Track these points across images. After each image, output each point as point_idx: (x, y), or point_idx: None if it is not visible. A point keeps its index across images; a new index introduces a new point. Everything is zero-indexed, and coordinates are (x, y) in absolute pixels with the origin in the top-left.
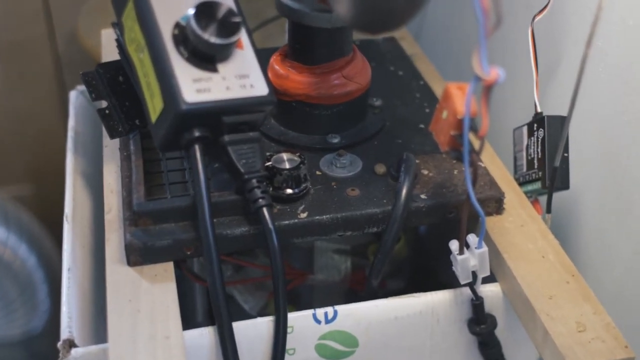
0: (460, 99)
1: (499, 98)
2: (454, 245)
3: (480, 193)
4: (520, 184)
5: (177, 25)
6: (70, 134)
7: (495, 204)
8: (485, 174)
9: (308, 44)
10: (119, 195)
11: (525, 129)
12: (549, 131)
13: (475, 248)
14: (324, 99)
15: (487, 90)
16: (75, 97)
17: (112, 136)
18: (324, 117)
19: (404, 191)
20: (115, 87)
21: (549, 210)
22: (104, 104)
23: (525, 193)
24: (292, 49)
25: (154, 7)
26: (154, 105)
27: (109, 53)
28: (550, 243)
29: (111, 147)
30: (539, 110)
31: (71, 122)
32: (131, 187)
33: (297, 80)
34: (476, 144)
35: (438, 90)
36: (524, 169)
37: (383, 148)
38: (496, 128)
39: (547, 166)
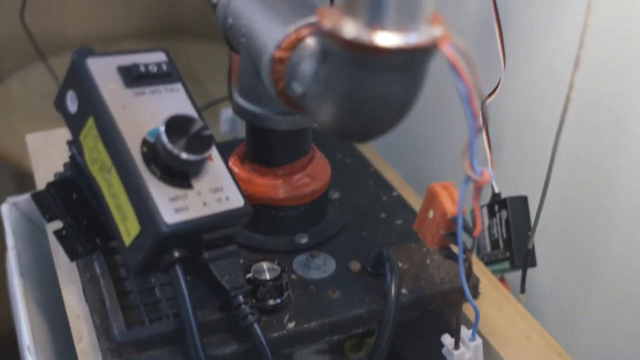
0: (447, 199)
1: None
2: (447, 340)
3: (456, 282)
4: (486, 264)
5: (145, 143)
6: (11, 253)
7: (472, 290)
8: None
9: (271, 147)
10: (87, 321)
11: (485, 210)
12: (513, 213)
13: (470, 341)
14: (290, 200)
15: (478, 190)
16: (8, 210)
17: (72, 258)
18: (291, 218)
19: (393, 291)
20: (70, 205)
21: (522, 290)
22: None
23: (492, 272)
24: (253, 151)
25: (119, 124)
26: (128, 229)
27: (41, 161)
28: (530, 324)
29: (66, 267)
30: (496, 191)
31: (10, 241)
32: (106, 314)
33: (261, 184)
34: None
35: (388, 176)
36: (488, 249)
37: (351, 243)
38: None
39: (514, 247)
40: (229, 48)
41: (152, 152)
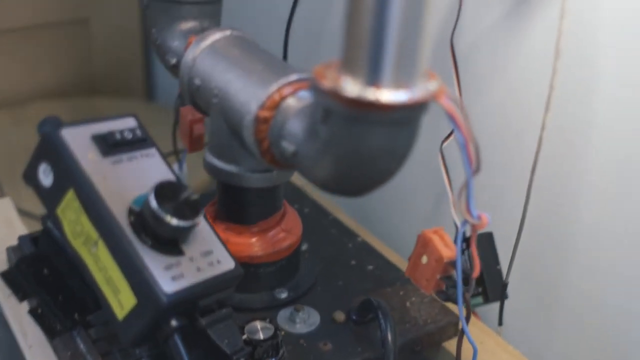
0: (441, 243)
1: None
2: None
3: (439, 321)
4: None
5: (132, 212)
6: None
7: (454, 328)
8: (432, 300)
9: (246, 204)
10: None
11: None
12: (482, 249)
13: None
14: (268, 257)
15: (475, 233)
16: None
17: (52, 337)
18: (269, 274)
19: (390, 337)
20: (43, 282)
21: (500, 322)
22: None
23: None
24: (226, 210)
25: (103, 195)
26: (121, 302)
27: None
28: (512, 354)
29: (38, 347)
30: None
31: None
32: None
33: (237, 243)
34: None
35: (346, 222)
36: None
37: (329, 293)
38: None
39: (487, 282)
40: (192, 108)
41: (141, 221)
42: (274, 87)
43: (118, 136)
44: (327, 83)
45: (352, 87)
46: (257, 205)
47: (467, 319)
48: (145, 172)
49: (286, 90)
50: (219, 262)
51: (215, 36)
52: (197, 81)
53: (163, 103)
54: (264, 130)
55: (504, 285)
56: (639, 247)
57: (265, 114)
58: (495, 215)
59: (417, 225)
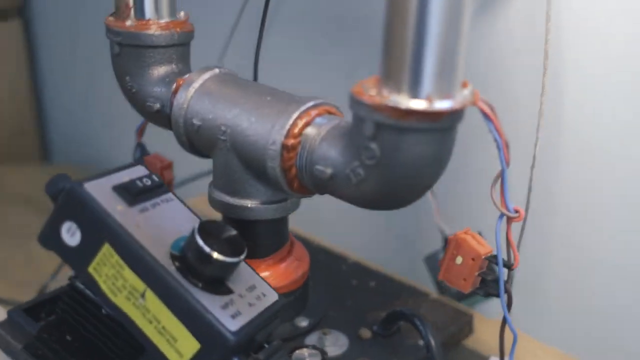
0: (475, 242)
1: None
2: None
3: (458, 322)
4: (458, 301)
5: (173, 257)
6: None
7: (469, 326)
8: (441, 305)
9: (261, 238)
10: None
11: (441, 255)
12: None
13: None
14: (286, 287)
15: (510, 226)
16: None
17: None
18: (288, 304)
19: (432, 341)
20: (69, 348)
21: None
22: None
23: (466, 306)
24: None
25: (144, 245)
26: (179, 350)
27: None
28: (527, 340)
29: None
30: (447, 233)
31: None
32: None
33: None
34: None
35: (329, 247)
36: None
37: (344, 314)
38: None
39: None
40: (157, 155)
41: (187, 265)
42: (295, 114)
43: (140, 185)
44: (378, 99)
45: (404, 100)
46: (270, 238)
47: (509, 307)
48: (172, 217)
49: (307, 117)
50: (264, 295)
51: (205, 75)
52: (196, 121)
53: (61, 164)
54: (291, 158)
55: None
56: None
57: (291, 142)
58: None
59: (391, 239)
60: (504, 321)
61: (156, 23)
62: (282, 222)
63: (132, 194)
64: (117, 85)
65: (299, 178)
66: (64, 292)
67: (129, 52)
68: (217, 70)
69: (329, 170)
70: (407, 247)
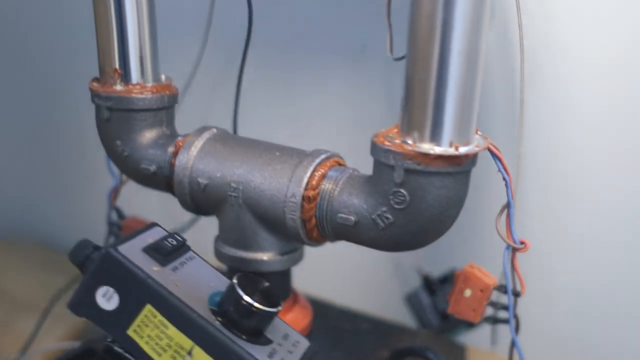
0: (482, 274)
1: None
2: None
3: (452, 356)
4: (443, 332)
5: (213, 312)
6: None
7: (462, 352)
8: (434, 337)
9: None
10: None
11: (423, 293)
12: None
13: None
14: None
15: (515, 256)
16: None
17: None
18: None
19: None
20: None
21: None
22: None
23: (454, 336)
24: None
25: (186, 301)
26: None
27: None
28: None
29: None
30: (424, 272)
31: None
32: None
33: None
34: None
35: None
36: (436, 323)
37: (351, 356)
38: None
39: None
40: (135, 218)
41: (228, 319)
42: (312, 167)
43: (168, 245)
44: (407, 147)
45: (432, 147)
46: (280, 288)
47: (517, 331)
48: (199, 274)
49: (323, 169)
50: (298, 342)
51: (205, 135)
52: (202, 180)
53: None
54: (311, 209)
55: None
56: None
57: (310, 193)
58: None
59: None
60: (512, 344)
61: (146, 87)
62: (289, 272)
63: (162, 254)
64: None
65: (319, 227)
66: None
67: (119, 117)
68: (214, 130)
69: (352, 218)
70: (382, 287)
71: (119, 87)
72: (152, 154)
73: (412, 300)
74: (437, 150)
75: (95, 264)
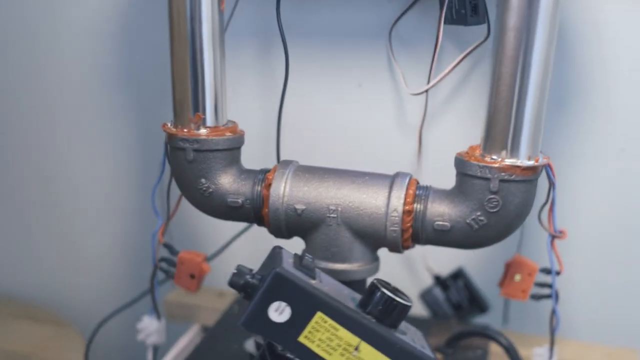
0: (528, 261)
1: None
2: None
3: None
4: (459, 320)
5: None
6: None
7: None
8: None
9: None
10: None
11: (437, 290)
12: (464, 278)
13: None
14: None
15: (554, 243)
16: None
17: None
18: None
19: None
20: None
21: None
22: None
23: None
24: None
25: (349, 305)
26: None
27: None
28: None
29: None
30: (434, 272)
31: None
32: None
33: None
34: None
35: None
36: (452, 313)
37: None
38: None
39: (480, 299)
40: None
41: (377, 315)
42: (405, 186)
43: (309, 261)
44: (502, 162)
45: (521, 161)
46: (361, 293)
47: (557, 299)
48: (333, 282)
49: (412, 187)
50: (415, 331)
51: (291, 167)
52: (299, 206)
53: None
54: (409, 221)
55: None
56: None
57: (409, 207)
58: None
59: None
60: (553, 312)
61: (225, 129)
62: (365, 279)
63: (310, 269)
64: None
65: (413, 236)
66: None
67: (204, 157)
68: (297, 162)
69: (447, 225)
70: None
71: (202, 130)
72: (237, 188)
73: (426, 297)
74: (525, 163)
75: (267, 283)
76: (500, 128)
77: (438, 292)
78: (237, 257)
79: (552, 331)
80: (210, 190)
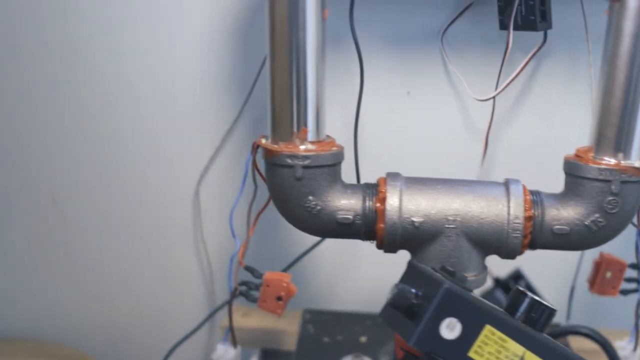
0: (618, 258)
1: None
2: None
3: None
4: None
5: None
6: None
7: None
8: None
9: None
10: None
11: (499, 292)
12: (527, 279)
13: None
14: None
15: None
16: None
17: None
18: None
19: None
20: None
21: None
22: None
23: None
24: None
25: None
26: None
27: None
28: None
29: None
30: (494, 276)
31: None
32: None
33: None
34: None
35: None
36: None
37: None
38: None
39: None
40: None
41: (528, 321)
42: (521, 192)
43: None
44: (623, 164)
45: (638, 162)
46: None
47: None
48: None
49: (527, 193)
50: None
51: (399, 180)
52: (417, 219)
53: None
54: (529, 227)
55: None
56: None
57: (529, 213)
58: None
59: None
60: (638, 304)
61: (330, 143)
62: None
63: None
64: None
65: (532, 242)
66: None
67: (313, 173)
68: (403, 175)
69: (566, 229)
70: None
71: (310, 145)
72: (346, 204)
73: (488, 299)
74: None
75: (438, 301)
76: (615, 130)
77: (500, 295)
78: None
79: (637, 320)
80: (319, 207)
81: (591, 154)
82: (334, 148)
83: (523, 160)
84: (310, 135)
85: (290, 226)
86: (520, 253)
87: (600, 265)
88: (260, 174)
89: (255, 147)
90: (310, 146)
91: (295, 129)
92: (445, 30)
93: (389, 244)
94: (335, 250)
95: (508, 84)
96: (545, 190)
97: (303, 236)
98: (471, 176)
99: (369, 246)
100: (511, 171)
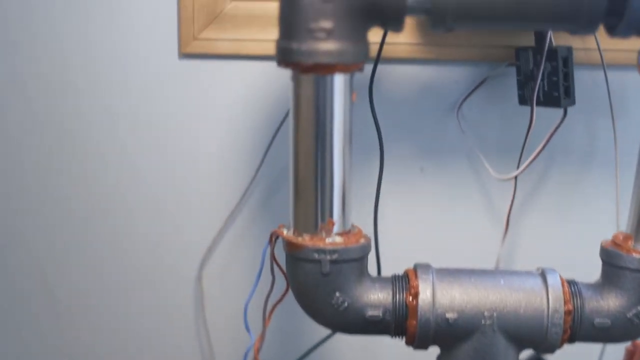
0: None
1: None
2: None
3: None
4: None
5: None
6: None
7: None
8: None
9: None
10: None
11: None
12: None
13: None
14: None
15: None
16: None
17: None
18: None
19: None
20: None
21: None
22: None
23: None
24: None
25: None
26: None
27: None
28: None
29: None
30: None
31: None
32: None
33: None
34: None
35: None
36: None
37: None
38: None
39: None
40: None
41: None
42: (558, 282)
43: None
44: None
45: None
46: None
47: None
48: None
49: (564, 285)
50: None
51: (429, 273)
52: (451, 315)
53: None
54: (568, 320)
55: None
56: None
57: (569, 306)
58: None
59: None
60: None
61: (357, 235)
62: None
63: None
64: None
65: (571, 336)
66: None
67: (340, 268)
68: (432, 267)
69: (608, 321)
70: None
71: (337, 238)
72: (375, 299)
73: None
74: None
75: None
76: None
77: None
78: None
79: None
80: (346, 304)
81: (631, 242)
82: (362, 240)
83: (544, 241)
84: (337, 227)
85: (300, 316)
86: (559, 347)
87: (632, 354)
88: (281, 269)
89: (275, 237)
90: (337, 239)
91: (320, 221)
92: (461, 105)
93: (420, 341)
94: (348, 344)
95: (529, 163)
96: (571, 273)
97: (316, 326)
98: (491, 257)
99: (388, 340)
100: (531, 252)
